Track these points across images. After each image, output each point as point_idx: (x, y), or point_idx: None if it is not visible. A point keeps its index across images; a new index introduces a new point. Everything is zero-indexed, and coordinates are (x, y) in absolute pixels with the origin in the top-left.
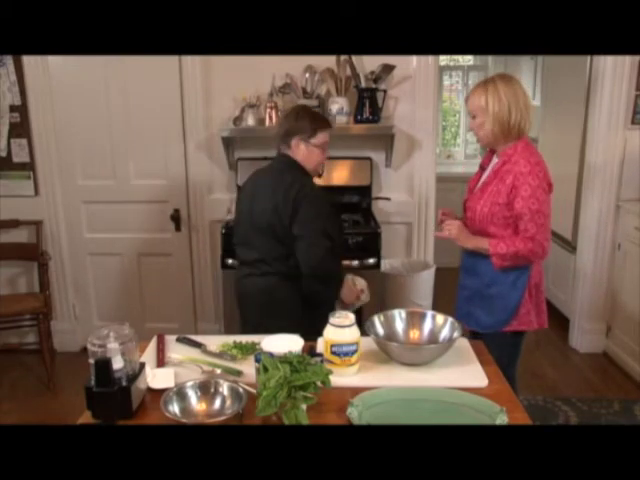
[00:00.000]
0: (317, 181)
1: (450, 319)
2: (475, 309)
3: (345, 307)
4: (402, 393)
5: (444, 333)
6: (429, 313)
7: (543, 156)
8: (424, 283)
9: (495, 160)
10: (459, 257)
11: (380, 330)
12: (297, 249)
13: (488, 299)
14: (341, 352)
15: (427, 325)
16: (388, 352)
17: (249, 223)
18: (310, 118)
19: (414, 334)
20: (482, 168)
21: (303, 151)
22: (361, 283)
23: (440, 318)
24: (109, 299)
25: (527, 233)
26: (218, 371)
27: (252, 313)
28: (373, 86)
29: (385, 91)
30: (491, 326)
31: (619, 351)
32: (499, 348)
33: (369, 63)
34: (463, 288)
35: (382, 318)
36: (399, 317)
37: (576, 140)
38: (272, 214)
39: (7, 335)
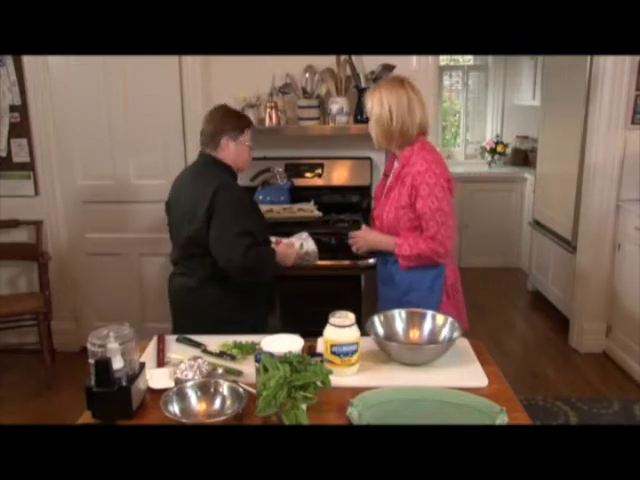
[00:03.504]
0: (314, 181)
1: (450, 319)
2: None
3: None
4: (402, 393)
5: (444, 333)
6: (429, 313)
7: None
8: None
9: (396, 165)
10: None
11: (380, 330)
12: (214, 251)
13: (407, 308)
14: (341, 352)
15: (427, 325)
16: (388, 352)
17: (173, 223)
18: (236, 117)
19: (414, 334)
20: (386, 175)
21: (233, 150)
22: (309, 246)
23: (440, 318)
24: (109, 299)
25: (428, 232)
26: (220, 370)
27: (174, 313)
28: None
29: None
30: None
31: (619, 351)
32: None
33: (369, 63)
34: (382, 299)
35: (382, 318)
36: (399, 317)
37: (576, 140)
38: (190, 215)
39: (7, 335)
